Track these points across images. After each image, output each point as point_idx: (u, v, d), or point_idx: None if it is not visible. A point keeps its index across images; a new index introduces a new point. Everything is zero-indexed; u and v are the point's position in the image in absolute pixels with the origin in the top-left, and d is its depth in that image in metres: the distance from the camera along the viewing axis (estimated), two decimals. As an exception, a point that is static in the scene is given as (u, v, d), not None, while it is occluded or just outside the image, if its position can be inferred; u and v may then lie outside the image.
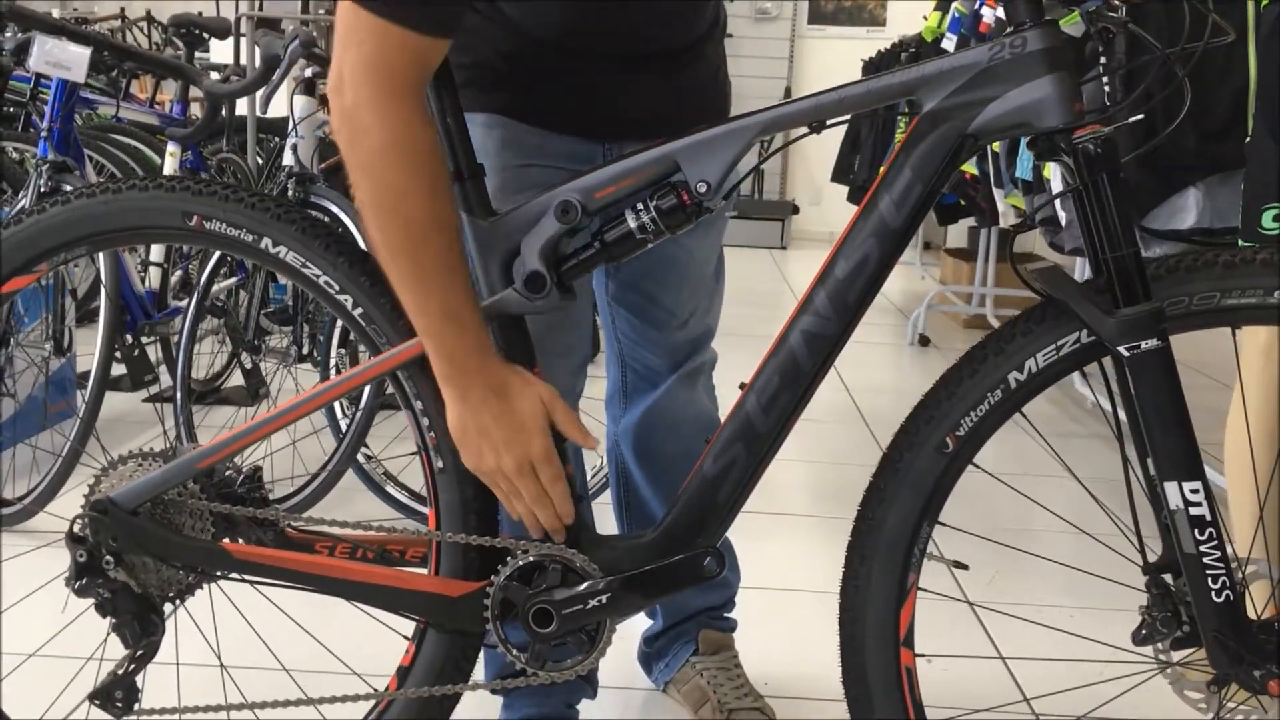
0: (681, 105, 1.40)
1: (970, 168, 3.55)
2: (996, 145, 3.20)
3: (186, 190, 1.25)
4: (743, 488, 1.19)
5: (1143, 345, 1.04)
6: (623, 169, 1.16)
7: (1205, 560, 1.06)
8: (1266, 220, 1.76)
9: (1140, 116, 1.08)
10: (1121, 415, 1.12)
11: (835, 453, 3.13)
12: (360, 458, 2.63)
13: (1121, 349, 1.05)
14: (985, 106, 1.07)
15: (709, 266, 1.62)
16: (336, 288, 1.25)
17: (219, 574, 1.28)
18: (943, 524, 1.17)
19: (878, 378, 4.32)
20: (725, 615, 1.83)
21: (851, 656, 1.19)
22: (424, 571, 1.27)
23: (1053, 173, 2.57)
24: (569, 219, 1.16)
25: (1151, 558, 1.16)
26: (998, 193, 3.32)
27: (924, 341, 4.87)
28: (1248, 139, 1.87)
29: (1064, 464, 2.58)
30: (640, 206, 1.16)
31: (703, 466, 1.20)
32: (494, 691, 1.61)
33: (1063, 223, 2.53)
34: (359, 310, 1.25)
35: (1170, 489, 1.06)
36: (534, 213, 1.18)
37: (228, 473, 1.30)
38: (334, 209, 2.70)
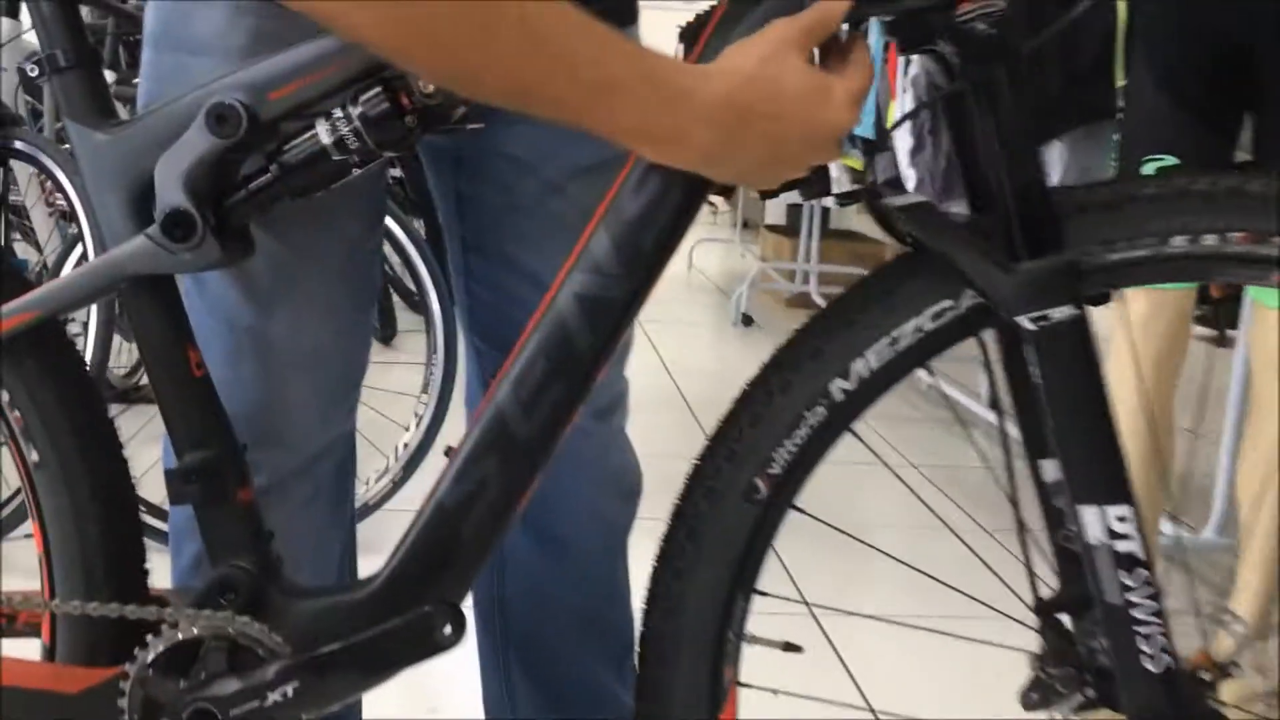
0: None
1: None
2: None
3: None
4: (498, 520, 0.83)
5: (1052, 315, 0.73)
6: (309, 56, 0.79)
7: (1136, 615, 0.76)
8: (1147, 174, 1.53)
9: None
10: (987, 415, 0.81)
11: (659, 443, 2.78)
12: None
13: (1024, 320, 0.74)
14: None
15: None
16: None
17: None
18: (763, 594, 0.84)
19: (700, 360, 4.04)
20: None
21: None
22: (32, 653, 0.87)
23: (897, 131, 2.29)
24: (228, 131, 0.78)
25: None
26: (830, 155, 3.02)
27: (747, 321, 4.63)
28: (1119, 85, 1.63)
29: (893, 469, 2.34)
30: (338, 113, 0.79)
31: (440, 492, 0.83)
32: None
33: (909, 184, 2.25)
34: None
35: (1089, 516, 0.76)
36: (175, 120, 0.79)
37: None
38: (42, 158, 2.21)
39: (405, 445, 2.27)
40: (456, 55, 0.70)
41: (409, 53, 0.71)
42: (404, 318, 3.73)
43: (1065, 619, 0.87)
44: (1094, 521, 0.75)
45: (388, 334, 3.80)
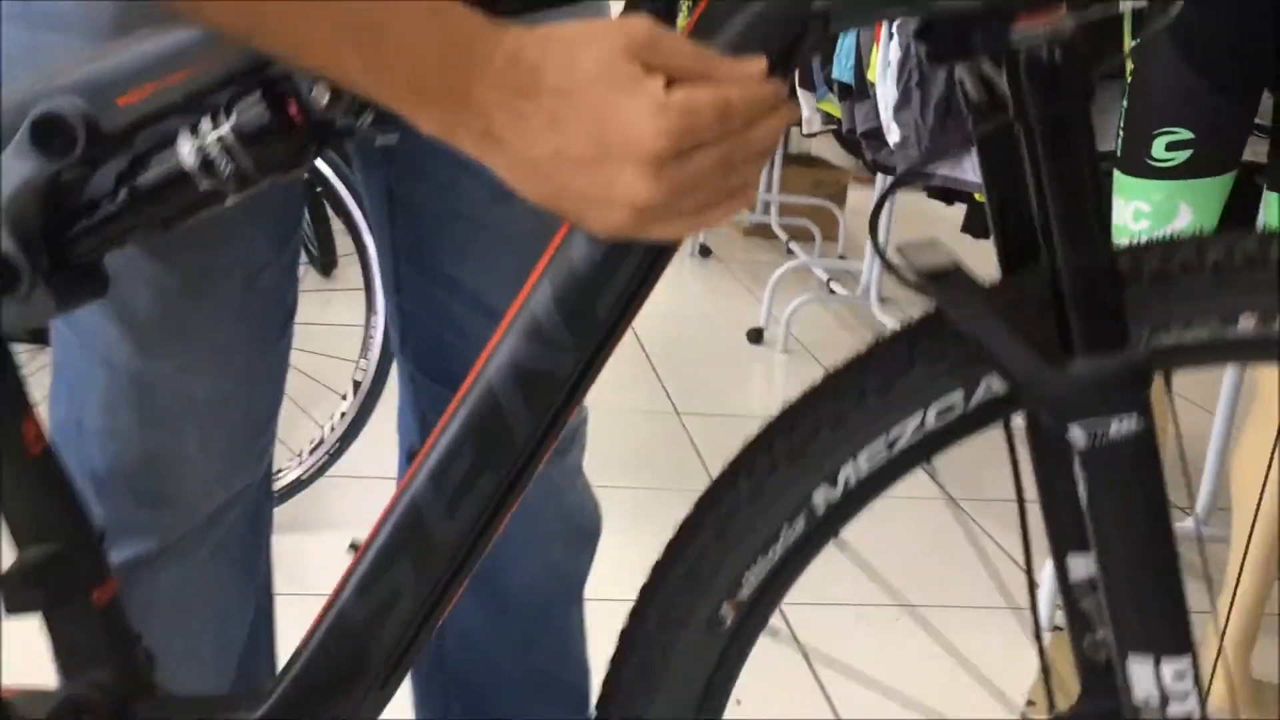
0: None
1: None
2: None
3: None
4: (414, 638, 0.68)
5: (1114, 427, 0.58)
6: (168, 50, 0.61)
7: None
8: (1158, 149, 1.38)
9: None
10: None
11: (616, 399, 2.60)
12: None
13: (1076, 429, 0.58)
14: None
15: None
16: None
17: None
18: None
19: (656, 297, 3.78)
20: None
21: None
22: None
23: (880, 73, 2.09)
24: (60, 149, 0.60)
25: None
26: (804, 95, 2.81)
27: (705, 252, 4.46)
28: (1128, 46, 1.48)
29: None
30: (206, 126, 0.61)
31: (342, 599, 0.68)
32: None
33: (891, 139, 2.06)
34: None
35: (1139, 669, 0.61)
36: (-12, 136, 0.61)
37: None
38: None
39: (343, 415, 2.09)
40: None
41: None
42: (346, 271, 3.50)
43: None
44: (1144, 676, 0.61)
45: (327, 263, 3.57)
